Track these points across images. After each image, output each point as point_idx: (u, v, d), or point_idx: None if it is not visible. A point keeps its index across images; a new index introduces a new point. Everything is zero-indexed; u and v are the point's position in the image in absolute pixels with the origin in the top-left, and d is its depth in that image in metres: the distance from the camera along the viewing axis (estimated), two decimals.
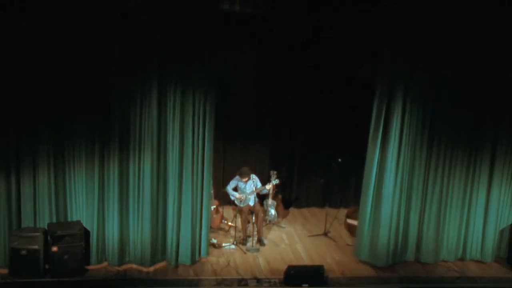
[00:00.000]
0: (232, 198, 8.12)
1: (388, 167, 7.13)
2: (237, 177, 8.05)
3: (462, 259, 7.81)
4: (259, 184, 8.10)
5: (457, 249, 7.75)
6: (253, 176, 8.00)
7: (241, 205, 7.99)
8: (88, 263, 6.84)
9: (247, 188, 7.99)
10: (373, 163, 7.20)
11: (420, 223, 7.53)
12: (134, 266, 6.95)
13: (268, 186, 8.23)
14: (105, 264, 6.94)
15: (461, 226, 7.69)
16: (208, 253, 7.29)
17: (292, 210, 9.73)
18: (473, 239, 7.76)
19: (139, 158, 6.69)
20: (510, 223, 7.80)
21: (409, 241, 7.54)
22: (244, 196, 7.97)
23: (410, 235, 7.53)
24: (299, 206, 9.83)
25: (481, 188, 7.61)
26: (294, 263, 7.36)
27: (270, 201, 8.70)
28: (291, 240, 8.32)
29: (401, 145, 7.11)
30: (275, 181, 8.24)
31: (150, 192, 6.74)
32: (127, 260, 6.97)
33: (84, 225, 6.77)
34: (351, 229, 8.56)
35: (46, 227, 6.61)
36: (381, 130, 7.08)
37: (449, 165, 7.44)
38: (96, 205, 6.77)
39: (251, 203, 8.00)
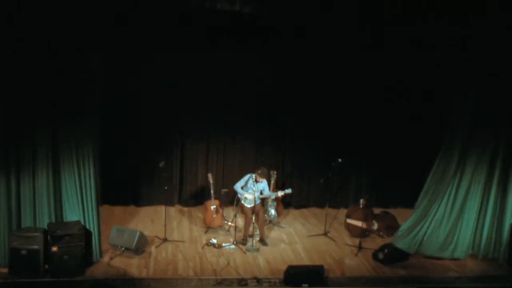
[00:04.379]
0: (240, 196, 8.03)
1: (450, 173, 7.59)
2: (251, 175, 7.83)
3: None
4: (266, 190, 8.03)
5: (468, 247, 7.80)
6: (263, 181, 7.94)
7: (245, 203, 7.95)
8: (88, 263, 6.84)
9: (255, 189, 7.85)
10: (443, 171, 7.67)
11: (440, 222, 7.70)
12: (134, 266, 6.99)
13: (280, 193, 8.07)
14: (104, 262, 6.96)
15: (473, 226, 7.77)
16: (98, 259, 7.03)
17: (292, 210, 9.74)
18: (475, 239, 7.80)
19: None
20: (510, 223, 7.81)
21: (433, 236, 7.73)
22: (252, 196, 7.89)
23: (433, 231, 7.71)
24: (299, 206, 9.83)
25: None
26: (294, 263, 7.36)
27: (270, 201, 8.69)
28: (291, 240, 8.31)
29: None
30: (286, 191, 8.07)
31: None
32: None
33: (83, 225, 6.77)
34: (351, 229, 8.57)
35: (46, 227, 6.61)
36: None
37: (463, 166, 7.57)
38: (95, 204, 6.78)
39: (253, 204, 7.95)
